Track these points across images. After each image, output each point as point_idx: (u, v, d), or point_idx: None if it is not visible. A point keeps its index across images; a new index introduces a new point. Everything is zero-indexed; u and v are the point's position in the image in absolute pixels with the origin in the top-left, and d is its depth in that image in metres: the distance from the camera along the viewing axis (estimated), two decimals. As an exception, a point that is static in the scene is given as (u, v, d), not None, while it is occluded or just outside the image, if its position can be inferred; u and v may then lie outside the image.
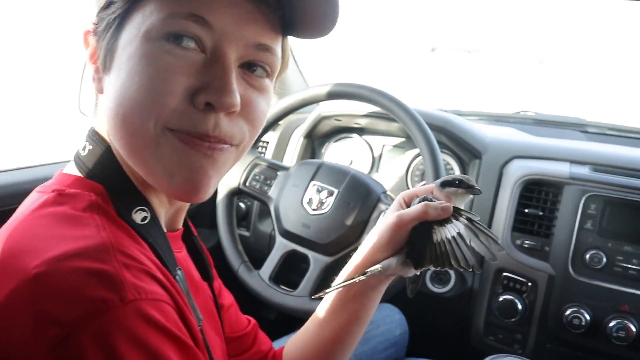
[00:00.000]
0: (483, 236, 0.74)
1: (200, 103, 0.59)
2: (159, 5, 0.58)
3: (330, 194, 1.35)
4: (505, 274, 1.40)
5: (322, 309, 0.91)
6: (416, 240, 0.80)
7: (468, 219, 0.77)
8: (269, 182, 1.43)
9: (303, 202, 1.36)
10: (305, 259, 1.35)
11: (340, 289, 0.85)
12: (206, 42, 0.59)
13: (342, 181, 1.35)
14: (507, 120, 1.98)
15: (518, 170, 1.44)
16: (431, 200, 0.81)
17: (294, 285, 1.35)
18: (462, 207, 0.80)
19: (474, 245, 0.75)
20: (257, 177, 1.44)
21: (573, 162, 1.46)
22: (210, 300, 0.83)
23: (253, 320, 1.00)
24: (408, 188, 1.67)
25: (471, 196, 0.84)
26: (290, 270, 1.45)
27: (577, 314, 1.31)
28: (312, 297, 1.03)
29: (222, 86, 0.59)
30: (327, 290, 0.85)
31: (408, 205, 0.86)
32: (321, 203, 1.34)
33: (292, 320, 1.28)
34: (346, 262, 1.28)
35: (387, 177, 1.72)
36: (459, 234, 0.75)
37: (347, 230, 1.30)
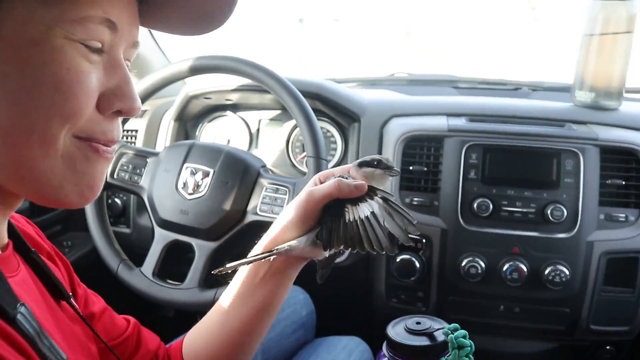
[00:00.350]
0: (398, 216, 0.70)
1: (109, 110, 0.57)
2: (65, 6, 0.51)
3: (206, 174, 1.25)
4: (399, 234, 1.37)
5: (227, 298, 0.84)
6: (327, 220, 0.74)
7: (383, 198, 0.72)
8: (138, 171, 1.31)
9: (178, 188, 1.25)
10: (189, 248, 1.26)
11: (245, 264, 0.79)
12: (106, 44, 0.56)
13: (217, 160, 1.26)
14: (382, 84, 1.97)
15: (398, 129, 1.41)
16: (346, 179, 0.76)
17: (182, 277, 1.25)
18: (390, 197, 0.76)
19: (388, 226, 0.70)
20: (125, 167, 1.31)
21: (450, 115, 1.46)
22: (76, 320, 0.71)
23: (133, 320, 0.89)
24: (290, 161, 1.61)
25: (390, 178, 0.79)
26: (175, 263, 1.34)
27: (473, 263, 1.32)
28: (212, 272, 0.91)
29: (130, 92, 0.58)
30: (228, 265, 0.77)
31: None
32: (197, 186, 1.24)
33: (192, 315, 1.18)
34: (234, 245, 1.21)
35: (268, 152, 1.65)
36: (372, 213, 0.70)
37: (229, 211, 1.22)
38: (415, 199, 1.38)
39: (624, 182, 1.34)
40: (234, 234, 1.24)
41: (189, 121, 1.69)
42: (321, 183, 0.81)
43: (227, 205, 1.22)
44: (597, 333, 1.39)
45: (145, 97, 1.33)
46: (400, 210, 0.70)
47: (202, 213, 1.23)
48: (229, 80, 1.52)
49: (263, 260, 0.77)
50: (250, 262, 0.77)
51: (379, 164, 0.78)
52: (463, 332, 0.74)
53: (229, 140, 1.69)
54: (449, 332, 0.75)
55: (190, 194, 1.24)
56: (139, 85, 1.33)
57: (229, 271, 0.78)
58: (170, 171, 1.27)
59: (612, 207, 1.34)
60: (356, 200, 0.73)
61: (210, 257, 1.23)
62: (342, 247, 0.72)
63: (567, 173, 1.32)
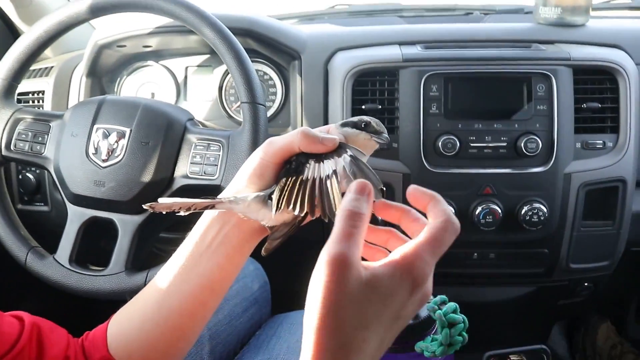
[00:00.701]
0: (363, 177, 0.56)
1: None
2: None
3: (121, 135, 1.04)
4: (355, 184, 1.20)
5: (165, 272, 0.70)
6: (283, 175, 0.62)
7: (353, 157, 0.58)
8: (40, 138, 1.08)
9: (89, 154, 1.04)
10: (111, 225, 1.06)
11: (182, 208, 0.64)
12: None
13: (133, 117, 1.05)
14: (321, 18, 1.78)
15: (345, 63, 1.23)
16: None
17: (107, 262, 1.05)
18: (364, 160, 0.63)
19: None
20: (24, 136, 1.09)
21: (402, 44, 1.28)
22: None
23: (28, 319, 0.70)
24: (226, 112, 1.41)
25: (377, 146, 0.66)
26: (98, 244, 1.14)
27: None
28: (143, 205, 0.72)
29: None
30: (161, 200, 0.66)
31: None
32: (112, 150, 1.03)
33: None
34: (164, 217, 1.03)
35: (199, 103, 1.45)
36: (334, 172, 0.57)
37: (154, 177, 1.02)
38: (371, 142, 1.20)
39: (600, 105, 1.20)
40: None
41: (104, 76, 1.46)
42: None
43: (150, 170, 1.03)
44: (577, 271, 1.30)
45: (36, 50, 1.09)
46: (369, 173, 0.56)
47: (121, 182, 1.03)
48: (144, 22, 1.31)
49: (206, 209, 0.65)
50: (188, 205, 0.63)
51: (366, 127, 0.66)
52: (453, 305, 0.61)
53: (153, 94, 1.48)
54: (436, 306, 0.60)
55: (104, 161, 1.03)
56: (24, 38, 1.09)
57: (163, 211, 0.65)
58: (78, 135, 1.05)
59: (588, 134, 1.22)
60: (322, 157, 0.60)
61: (136, 233, 1.04)
62: (290, 208, 0.58)
63: (539, 99, 1.18)
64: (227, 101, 1.42)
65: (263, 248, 0.69)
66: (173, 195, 1.03)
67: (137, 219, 1.04)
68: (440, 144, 1.16)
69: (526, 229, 1.18)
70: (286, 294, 1.22)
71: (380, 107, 1.21)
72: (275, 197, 0.60)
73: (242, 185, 0.64)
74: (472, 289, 1.35)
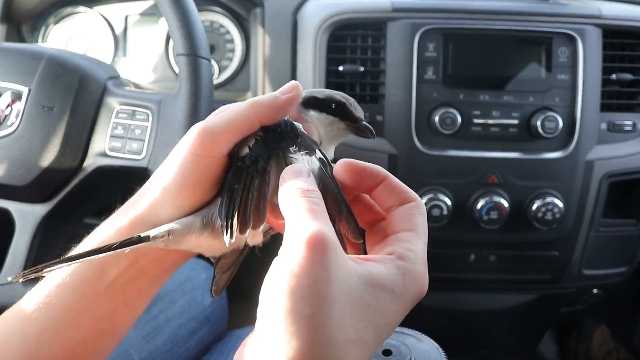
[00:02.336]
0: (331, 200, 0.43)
1: None
2: None
3: (16, 97, 0.79)
4: (329, 165, 0.97)
5: (43, 311, 0.51)
6: (234, 178, 0.45)
7: (321, 163, 0.45)
8: None
9: (-32, 121, 0.78)
10: (6, 217, 0.82)
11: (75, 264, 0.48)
12: None
13: (34, 71, 0.80)
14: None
15: (319, 12, 1.00)
16: None
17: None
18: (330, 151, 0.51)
19: None
20: None
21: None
22: None
23: None
24: (173, 72, 1.16)
25: (350, 135, 0.52)
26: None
27: (436, 201, 0.98)
28: (12, 279, 0.48)
29: None
30: (41, 267, 0.45)
31: None
32: (4, 117, 0.79)
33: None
34: (76, 207, 0.79)
35: (141, 60, 1.21)
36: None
37: (59, 154, 0.77)
38: (349, 114, 0.96)
39: (632, 77, 0.99)
40: (73, 190, 0.80)
41: (25, 22, 1.22)
42: None
43: (56, 145, 0.78)
44: (589, 278, 1.11)
45: None
46: (339, 199, 0.42)
47: (15, 161, 0.78)
48: None
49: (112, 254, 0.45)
50: (91, 259, 0.46)
51: (342, 110, 0.50)
52: None
53: (86, 50, 1.25)
54: None
55: (-8, 131, 0.78)
56: None
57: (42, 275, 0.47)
58: (-43, 95, 0.80)
59: (615, 112, 1.02)
60: (286, 147, 0.45)
61: (39, 228, 0.80)
62: (260, 227, 0.43)
63: (561, 67, 0.98)
64: (177, 59, 1.17)
65: (212, 289, 0.54)
66: (86, 178, 0.78)
67: (40, 209, 0.80)
68: (436, 118, 0.95)
69: (536, 227, 0.98)
70: (248, 301, 1.00)
71: (362, 69, 0.99)
72: (223, 213, 0.43)
73: (161, 198, 0.47)
74: (464, 295, 1.14)
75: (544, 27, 0.97)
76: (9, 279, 0.47)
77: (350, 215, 0.41)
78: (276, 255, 0.36)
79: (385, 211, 0.43)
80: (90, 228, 1.15)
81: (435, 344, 0.48)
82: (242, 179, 0.44)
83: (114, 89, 0.81)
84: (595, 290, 1.18)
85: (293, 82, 0.47)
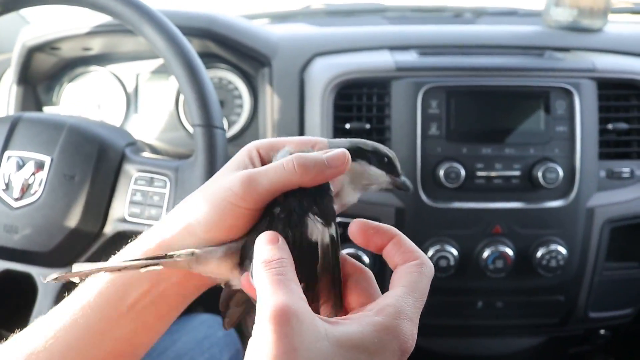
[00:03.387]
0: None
1: None
2: None
3: (40, 166, 0.82)
4: (338, 220, 0.99)
5: (66, 331, 0.51)
6: (266, 227, 0.45)
7: (332, 237, 0.44)
8: None
9: (-3, 191, 0.81)
10: (28, 281, 0.84)
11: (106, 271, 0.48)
12: None
13: (56, 141, 0.83)
14: (295, 18, 1.56)
15: (325, 72, 1.02)
16: None
17: (22, 325, 0.82)
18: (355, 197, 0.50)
19: None
20: None
21: (394, 48, 1.07)
22: None
23: None
24: (184, 128, 1.19)
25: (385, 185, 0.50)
26: (11, 304, 0.91)
27: (442, 252, 0.98)
28: (45, 279, 0.49)
29: None
30: (75, 269, 0.47)
31: (265, 162, 0.50)
32: (27, 186, 0.81)
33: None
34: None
35: (152, 117, 1.23)
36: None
37: (81, 221, 0.80)
38: (357, 169, 0.99)
39: (627, 126, 1.01)
40: (94, 255, 0.83)
41: (39, 83, 1.24)
42: (261, 157, 0.51)
43: (77, 213, 0.81)
44: (595, 320, 1.12)
45: None
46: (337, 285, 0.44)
47: (39, 228, 0.81)
48: (83, 20, 1.09)
49: (140, 270, 0.46)
50: (116, 268, 0.47)
51: (388, 165, 0.49)
52: None
53: (99, 106, 1.27)
54: None
55: (17, 200, 0.81)
56: None
57: (76, 280, 0.48)
58: (-19, 165, 0.83)
59: (613, 160, 1.04)
60: (309, 205, 0.45)
61: (60, 292, 0.81)
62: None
63: (559, 119, 0.99)
64: (187, 115, 1.20)
65: (225, 321, 0.52)
66: (105, 243, 0.81)
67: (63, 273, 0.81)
68: (441, 172, 0.96)
69: (541, 274, 1.00)
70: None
71: (368, 126, 1.00)
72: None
73: (190, 228, 0.47)
74: (474, 340, 1.15)
75: (541, 82, 0.99)
76: (47, 279, 0.47)
77: (338, 296, 0.43)
78: None
79: (392, 269, 0.43)
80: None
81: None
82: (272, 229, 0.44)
83: (132, 156, 0.84)
84: (602, 331, 1.20)
85: (343, 151, 0.46)
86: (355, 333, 0.36)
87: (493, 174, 0.98)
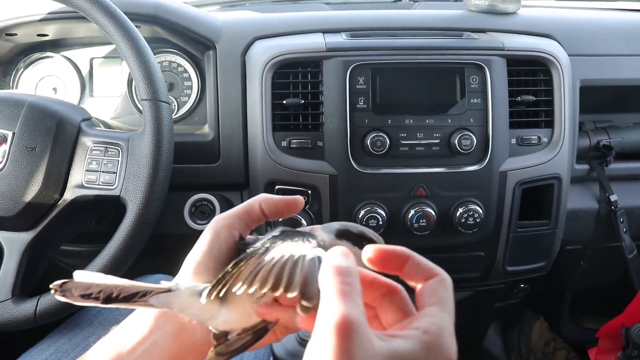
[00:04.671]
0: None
1: None
2: None
3: (3, 140, 0.90)
4: (277, 187, 1.09)
5: None
6: (241, 256, 0.46)
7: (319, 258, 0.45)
8: None
9: (-40, 163, 0.89)
10: None
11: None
12: None
13: (17, 117, 0.91)
14: (242, 5, 1.65)
15: (264, 53, 1.11)
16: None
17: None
18: None
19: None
20: None
21: (326, 31, 1.17)
22: None
23: None
24: (137, 109, 1.27)
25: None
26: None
27: (372, 213, 1.08)
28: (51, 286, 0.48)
29: None
30: (77, 275, 0.48)
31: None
32: None
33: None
34: (58, 234, 0.90)
35: (106, 100, 1.30)
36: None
37: (43, 187, 0.89)
38: (294, 140, 1.09)
39: (534, 98, 1.14)
40: (55, 218, 0.91)
41: None
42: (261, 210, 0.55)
43: (38, 180, 0.89)
44: (513, 274, 1.24)
45: None
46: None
47: (3, 195, 0.89)
48: (37, 7, 1.15)
49: (135, 299, 0.46)
50: (109, 289, 0.45)
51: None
52: None
53: (56, 89, 1.33)
54: None
55: (-18, 170, 0.88)
56: None
57: (75, 301, 0.46)
58: (-52, 140, 0.90)
59: (523, 129, 1.15)
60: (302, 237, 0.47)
61: (25, 253, 0.90)
62: (239, 287, 0.41)
63: (473, 92, 1.10)
64: (138, 97, 1.27)
65: (211, 354, 0.50)
66: (66, 207, 0.89)
67: (26, 236, 0.91)
68: (369, 141, 1.06)
69: (462, 232, 1.10)
70: None
71: (302, 101, 1.09)
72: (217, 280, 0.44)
73: (198, 271, 0.50)
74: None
75: (458, 59, 1.09)
76: (52, 286, 0.47)
77: None
78: None
79: (414, 287, 0.45)
80: (67, 254, 1.26)
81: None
82: (244, 256, 0.44)
83: (87, 130, 0.93)
84: (522, 285, 1.32)
85: (298, 197, 0.55)
86: (407, 350, 0.37)
87: (415, 142, 1.08)
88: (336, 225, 0.53)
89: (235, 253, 0.50)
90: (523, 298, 1.38)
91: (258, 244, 0.46)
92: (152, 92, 0.86)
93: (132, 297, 0.45)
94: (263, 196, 0.54)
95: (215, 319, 0.46)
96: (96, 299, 0.45)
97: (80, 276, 0.47)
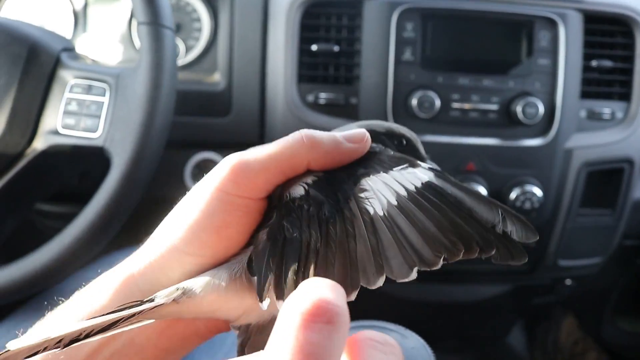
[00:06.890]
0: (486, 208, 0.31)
1: None
2: None
3: (-43, 66, 0.71)
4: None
5: None
6: (281, 226, 0.33)
7: (435, 171, 0.34)
8: None
9: None
10: None
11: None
12: None
13: None
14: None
15: (292, -11, 0.92)
16: None
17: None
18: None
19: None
20: None
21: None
22: None
23: None
24: (136, 48, 1.09)
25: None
26: None
27: None
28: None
29: None
30: (21, 343, 0.31)
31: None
32: None
33: None
34: (24, 190, 0.74)
35: (102, 38, 1.12)
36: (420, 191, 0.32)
37: (6, 130, 0.72)
38: (322, 95, 0.92)
39: (612, 64, 0.95)
40: (22, 172, 0.72)
41: None
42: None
43: (1, 122, 0.71)
44: (564, 269, 1.07)
45: None
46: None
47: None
48: None
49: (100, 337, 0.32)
50: (77, 333, 0.31)
51: (409, 146, 0.42)
52: None
53: (44, 25, 1.14)
54: None
55: None
56: None
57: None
58: None
59: (595, 100, 0.97)
60: (354, 177, 0.34)
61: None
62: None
63: (542, 51, 0.92)
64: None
65: None
66: (35, 159, 0.71)
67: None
68: (414, 101, 0.89)
69: None
70: None
71: (336, 48, 0.91)
72: (265, 271, 0.32)
73: (171, 249, 0.36)
74: (438, 286, 1.09)
75: (526, 10, 0.92)
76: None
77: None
78: None
79: None
80: (41, 214, 1.08)
81: (422, 341, 0.43)
82: (297, 225, 0.33)
83: (68, 62, 0.74)
84: (568, 282, 1.16)
85: (362, 131, 0.37)
86: None
87: (469, 106, 0.91)
88: (353, 125, 0.41)
89: (256, 213, 0.36)
90: (565, 297, 1.21)
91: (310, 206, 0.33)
92: (152, 13, 0.67)
93: (113, 325, 0.31)
94: (308, 136, 0.36)
95: (246, 314, 0.35)
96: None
97: (18, 344, 0.31)
